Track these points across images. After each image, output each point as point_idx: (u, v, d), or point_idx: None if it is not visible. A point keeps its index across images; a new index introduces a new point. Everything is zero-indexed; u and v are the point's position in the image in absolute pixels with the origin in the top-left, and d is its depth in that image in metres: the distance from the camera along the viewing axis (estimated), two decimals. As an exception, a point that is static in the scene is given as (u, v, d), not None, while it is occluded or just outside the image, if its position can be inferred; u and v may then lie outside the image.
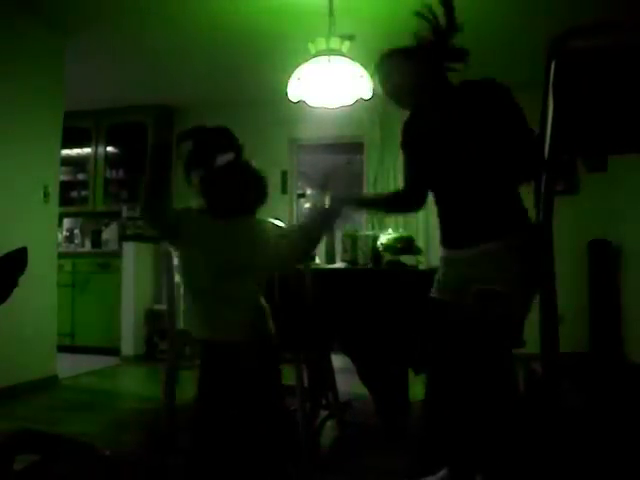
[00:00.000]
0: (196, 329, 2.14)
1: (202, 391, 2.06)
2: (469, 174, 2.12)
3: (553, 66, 1.79)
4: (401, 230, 4.38)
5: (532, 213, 2.21)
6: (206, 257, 2.07)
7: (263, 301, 2.17)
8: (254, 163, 2.21)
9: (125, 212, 6.59)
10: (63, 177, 5.86)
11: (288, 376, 3.11)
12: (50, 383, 4.48)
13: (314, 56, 3.85)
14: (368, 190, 6.45)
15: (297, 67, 3.87)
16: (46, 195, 4.57)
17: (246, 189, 2.16)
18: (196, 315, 2.13)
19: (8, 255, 1.82)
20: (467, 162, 2.11)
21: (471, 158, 2.10)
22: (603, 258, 5.59)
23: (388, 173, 6.41)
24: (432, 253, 6.06)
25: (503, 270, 2.08)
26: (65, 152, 5.35)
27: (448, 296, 2.24)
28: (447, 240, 2.28)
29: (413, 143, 2.31)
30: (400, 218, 6.25)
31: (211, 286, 2.06)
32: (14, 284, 1.80)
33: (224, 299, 2.05)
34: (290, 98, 3.98)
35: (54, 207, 4.72)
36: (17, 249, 1.84)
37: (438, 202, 2.30)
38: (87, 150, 6.93)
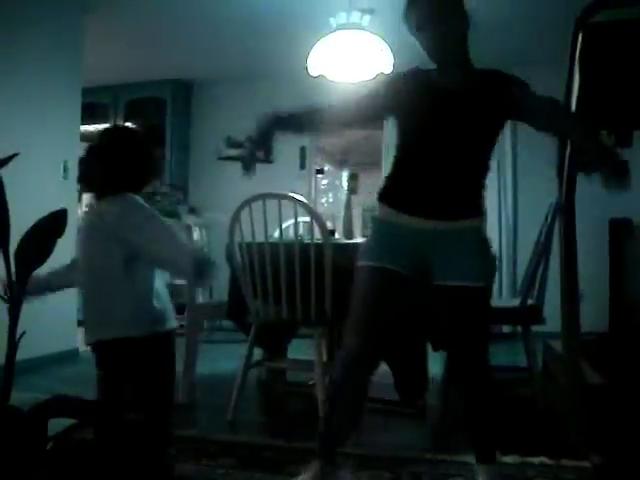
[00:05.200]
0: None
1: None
2: (456, 147, 1.99)
3: (580, 38, 1.75)
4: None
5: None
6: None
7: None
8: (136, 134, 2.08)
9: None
10: (82, 153, 5.87)
11: (307, 350, 3.14)
12: (71, 356, 4.55)
13: (335, 30, 3.81)
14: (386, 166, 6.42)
15: (317, 41, 3.83)
16: (66, 171, 4.59)
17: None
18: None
19: (45, 219, 1.70)
20: (458, 136, 1.98)
21: (462, 135, 1.98)
22: (624, 237, 5.53)
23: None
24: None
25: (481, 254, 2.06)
26: (84, 128, 5.35)
27: (402, 268, 1.99)
28: (411, 205, 2.02)
29: (409, 91, 2.04)
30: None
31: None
32: (50, 251, 1.69)
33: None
34: (310, 72, 3.94)
35: (74, 182, 4.74)
36: (55, 212, 1.71)
37: (406, 161, 2.08)
38: (106, 126, 6.92)
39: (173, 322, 1.91)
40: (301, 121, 2.30)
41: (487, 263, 2.08)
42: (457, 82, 1.99)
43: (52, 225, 1.71)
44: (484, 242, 2.11)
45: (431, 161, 2.00)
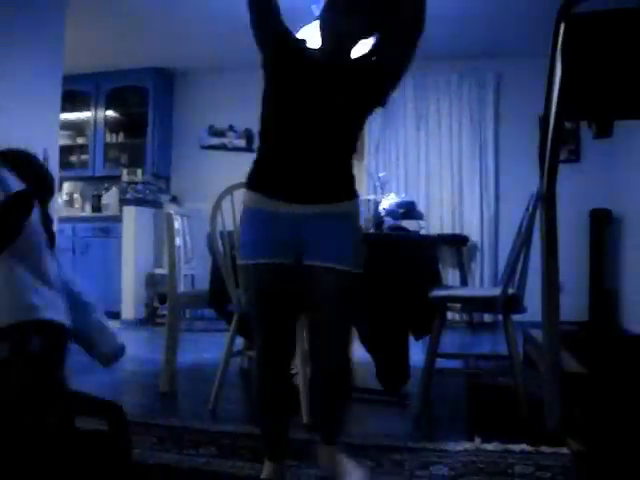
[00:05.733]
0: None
1: None
2: (327, 125, 1.95)
3: (562, 30, 1.76)
4: (403, 195, 4.36)
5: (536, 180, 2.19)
6: None
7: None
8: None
9: (125, 176, 6.56)
10: (62, 141, 5.82)
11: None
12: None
13: (316, 19, 3.79)
14: (369, 159, 6.44)
15: (299, 29, 3.81)
16: (45, 159, 4.53)
17: None
18: None
19: (10, 197, 1.67)
20: (326, 115, 1.95)
21: (333, 112, 1.96)
22: (604, 227, 5.59)
23: (390, 141, 6.38)
24: (432, 218, 6.07)
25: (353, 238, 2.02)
26: (64, 116, 5.30)
27: (284, 258, 1.97)
28: (283, 190, 1.97)
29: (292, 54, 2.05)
30: (402, 183, 6.25)
31: None
32: (18, 230, 1.68)
33: None
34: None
35: (54, 171, 4.69)
36: (19, 192, 1.70)
37: (275, 141, 2.02)
38: (87, 114, 6.87)
39: (51, 314, 1.76)
40: None
41: (356, 248, 2.03)
42: (333, 61, 2.00)
43: (18, 205, 1.70)
44: (355, 227, 2.08)
45: (301, 142, 1.95)
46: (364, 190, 5.89)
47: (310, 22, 3.80)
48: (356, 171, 2.20)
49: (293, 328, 2.09)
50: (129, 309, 6.04)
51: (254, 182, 2.02)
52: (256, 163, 2.05)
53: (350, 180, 2.05)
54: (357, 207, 2.08)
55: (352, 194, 2.05)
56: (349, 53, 2.02)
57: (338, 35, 2.00)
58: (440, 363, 3.10)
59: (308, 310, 2.09)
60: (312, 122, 1.95)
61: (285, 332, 2.03)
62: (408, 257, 3.19)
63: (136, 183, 6.46)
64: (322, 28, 2.04)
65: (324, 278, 1.96)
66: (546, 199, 2.18)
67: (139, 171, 6.54)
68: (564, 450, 2.27)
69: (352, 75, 1.98)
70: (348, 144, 2.03)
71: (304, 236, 1.95)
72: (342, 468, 2.03)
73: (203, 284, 3.50)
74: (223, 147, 6.74)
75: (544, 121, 2.03)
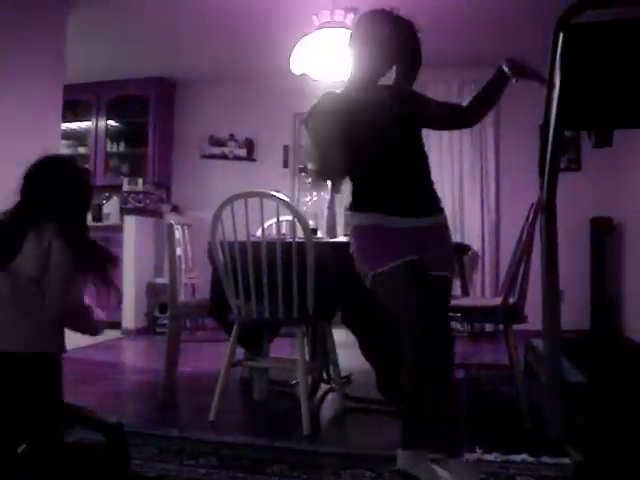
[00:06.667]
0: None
1: None
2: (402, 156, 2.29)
3: (561, 38, 1.76)
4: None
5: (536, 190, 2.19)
6: None
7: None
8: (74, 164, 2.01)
9: (126, 186, 6.56)
10: (64, 150, 5.83)
11: (290, 349, 3.13)
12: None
13: (317, 28, 3.81)
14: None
15: (300, 40, 3.82)
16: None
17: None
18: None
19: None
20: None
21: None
22: (605, 236, 5.58)
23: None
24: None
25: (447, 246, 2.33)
26: (66, 125, 5.32)
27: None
28: (391, 206, 2.23)
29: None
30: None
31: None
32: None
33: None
34: (293, 71, 3.94)
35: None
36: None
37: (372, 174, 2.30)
38: (88, 123, 6.88)
39: None
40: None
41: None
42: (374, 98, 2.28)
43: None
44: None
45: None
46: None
47: (309, 31, 3.83)
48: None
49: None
50: (130, 318, 6.03)
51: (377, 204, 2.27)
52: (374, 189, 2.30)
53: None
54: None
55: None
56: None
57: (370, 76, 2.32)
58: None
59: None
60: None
61: None
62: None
63: (137, 192, 6.46)
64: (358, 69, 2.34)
65: None
66: (546, 208, 2.17)
67: (140, 180, 6.54)
68: (565, 460, 2.26)
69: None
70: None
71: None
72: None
73: (204, 293, 3.49)
74: (224, 156, 6.75)
75: (544, 130, 2.03)
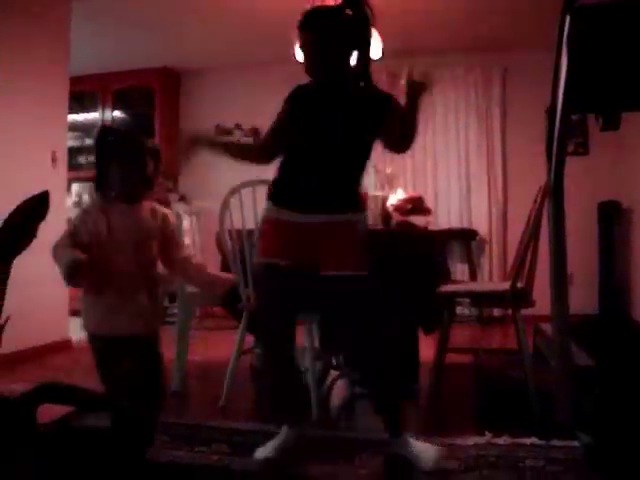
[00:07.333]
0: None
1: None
2: (336, 153, 2.24)
3: (568, 21, 1.75)
4: (411, 191, 4.35)
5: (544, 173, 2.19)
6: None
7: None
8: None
9: (133, 176, 6.57)
10: (71, 142, 5.84)
11: (298, 337, 3.14)
12: (64, 346, 4.54)
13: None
14: (376, 155, 6.42)
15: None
16: (54, 160, 4.56)
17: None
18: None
19: (27, 202, 1.72)
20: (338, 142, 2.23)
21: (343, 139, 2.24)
22: (613, 220, 5.56)
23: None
24: (440, 213, 6.06)
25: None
26: (72, 117, 5.31)
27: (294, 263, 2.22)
28: (297, 203, 2.25)
29: (302, 112, 2.28)
30: (410, 179, 6.25)
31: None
32: (33, 234, 1.71)
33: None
34: (298, 59, 3.92)
35: (62, 172, 4.72)
36: (37, 195, 1.73)
37: (293, 166, 2.30)
38: (94, 115, 6.88)
39: None
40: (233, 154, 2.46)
41: None
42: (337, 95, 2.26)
43: (34, 208, 1.72)
44: None
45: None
46: (372, 186, 5.88)
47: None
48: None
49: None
50: (139, 308, 6.06)
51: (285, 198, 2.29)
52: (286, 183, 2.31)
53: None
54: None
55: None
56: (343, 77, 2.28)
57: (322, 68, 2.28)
58: (450, 357, 3.10)
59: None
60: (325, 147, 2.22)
61: None
62: (416, 253, 3.19)
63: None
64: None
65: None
66: (554, 192, 2.17)
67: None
68: (575, 443, 2.26)
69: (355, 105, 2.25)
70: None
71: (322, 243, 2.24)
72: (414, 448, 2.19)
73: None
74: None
75: (551, 114, 2.02)
